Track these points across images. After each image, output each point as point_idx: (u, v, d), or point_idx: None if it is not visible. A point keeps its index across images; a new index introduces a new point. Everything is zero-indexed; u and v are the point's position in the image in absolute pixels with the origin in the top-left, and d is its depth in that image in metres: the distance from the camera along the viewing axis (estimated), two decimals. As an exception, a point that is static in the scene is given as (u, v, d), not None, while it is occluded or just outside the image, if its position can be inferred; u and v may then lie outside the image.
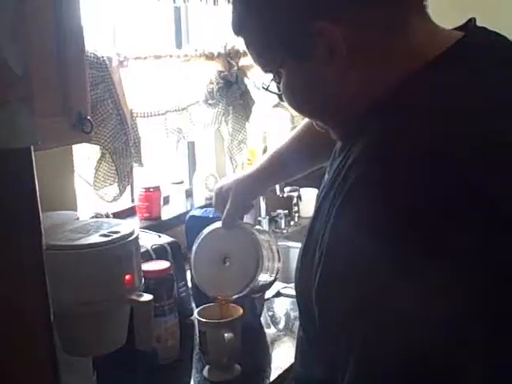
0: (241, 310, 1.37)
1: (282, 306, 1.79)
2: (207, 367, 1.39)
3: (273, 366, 1.44)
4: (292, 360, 1.51)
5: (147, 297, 1.05)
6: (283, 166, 1.41)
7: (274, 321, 1.71)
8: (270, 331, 1.64)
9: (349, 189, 0.72)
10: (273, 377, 1.38)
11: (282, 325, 1.69)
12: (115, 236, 1.05)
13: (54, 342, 0.73)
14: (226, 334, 1.30)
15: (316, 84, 0.80)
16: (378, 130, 0.74)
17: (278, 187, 2.22)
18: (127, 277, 1.05)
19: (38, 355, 0.70)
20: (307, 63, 0.78)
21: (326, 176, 0.91)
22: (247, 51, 0.86)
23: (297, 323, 1.72)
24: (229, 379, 1.36)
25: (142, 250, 1.54)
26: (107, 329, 1.08)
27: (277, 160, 1.40)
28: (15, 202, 0.67)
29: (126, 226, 1.10)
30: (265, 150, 2.73)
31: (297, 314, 1.73)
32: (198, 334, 1.39)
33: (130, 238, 1.07)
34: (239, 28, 0.84)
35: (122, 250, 1.05)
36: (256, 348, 1.52)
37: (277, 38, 0.80)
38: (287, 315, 1.73)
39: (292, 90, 0.83)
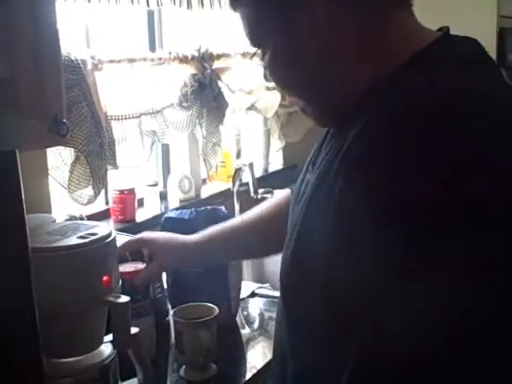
0: (216, 310, 1.39)
1: (256, 306, 1.81)
2: (184, 367, 1.40)
3: (248, 365, 1.46)
4: (267, 359, 1.54)
5: (124, 298, 1.06)
6: (225, 248, 1.41)
7: (248, 321, 1.73)
8: (244, 331, 1.66)
9: (350, 169, 0.73)
10: (248, 376, 1.40)
11: (256, 325, 1.71)
12: (93, 238, 1.06)
13: (40, 343, 0.74)
14: (202, 334, 1.32)
15: (302, 60, 0.82)
16: (372, 114, 0.74)
17: (251, 188, 2.24)
18: (105, 278, 1.06)
19: (23, 356, 0.71)
20: (294, 37, 0.80)
21: (309, 169, 0.91)
22: (242, 27, 0.87)
23: (271, 323, 1.76)
24: (205, 378, 1.37)
25: (118, 251, 1.55)
26: (85, 330, 1.09)
27: (220, 238, 1.39)
28: (1, 204, 0.68)
29: (103, 228, 1.11)
30: (238, 153, 2.76)
31: (271, 314, 1.77)
32: (174, 335, 1.41)
33: (108, 240, 1.08)
34: (235, 2, 0.86)
35: (100, 252, 1.06)
36: (232, 347, 1.54)
37: (269, 11, 0.81)
38: (261, 315, 1.76)
39: (280, 67, 0.84)
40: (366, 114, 0.75)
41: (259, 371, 1.43)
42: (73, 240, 1.05)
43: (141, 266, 1.45)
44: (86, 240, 1.05)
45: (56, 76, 1.35)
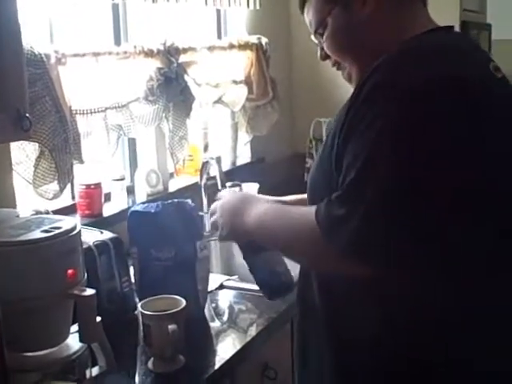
0: (184, 302, 1.40)
1: (225, 298, 1.82)
2: (152, 359, 1.41)
3: (217, 357, 1.47)
4: (235, 349, 1.55)
5: (90, 291, 1.07)
6: None
7: (217, 313, 1.74)
8: (214, 324, 1.67)
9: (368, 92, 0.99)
10: (215, 367, 1.41)
11: (225, 317, 1.72)
12: (57, 231, 1.06)
13: (3, 337, 0.74)
14: (169, 326, 1.33)
15: (355, 28, 1.12)
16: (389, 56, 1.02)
17: (219, 182, 2.24)
18: (70, 271, 1.06)
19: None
20: (348, 11, 1.11)
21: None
22: (305, 10, 1.19)
23: (241, 315, 1.77)
24: (173, 370, 1.38)
25: (84, 246, 1.54)
26: (50, 324, 1.09)
27: None
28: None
29: (67, 222, 1.11)
30: (206, 147, 2.76)
31: (240, 306, 1.79)
32: (142, 327, 1.41)
33: (72, 233, 1.08)
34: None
35: (64, 245, 1.06)
36: (200, 340, 1.55)
37: None
38: (231, 307, 1.77)
39: (335, 35, 1.14)
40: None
41: (227, 362, 1.44)
42: (36, 234, 1.05)
43: None
44: (50, 234, 1.05)
45: (18, 70, 1.34)
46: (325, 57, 1.19)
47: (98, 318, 1.19)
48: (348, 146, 0.98)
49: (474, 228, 0.92)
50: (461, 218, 0.91)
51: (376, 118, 0.95)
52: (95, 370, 1.25)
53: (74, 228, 1.10)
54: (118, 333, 1.51)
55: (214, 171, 2.32)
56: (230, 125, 2.82)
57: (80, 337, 1.10)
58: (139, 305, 1.40)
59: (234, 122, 2.81)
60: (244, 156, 2.95)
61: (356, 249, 0.93)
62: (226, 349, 1.52)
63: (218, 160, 2.28)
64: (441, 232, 0.91)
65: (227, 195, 1.36)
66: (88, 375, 1.20)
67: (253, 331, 1.59)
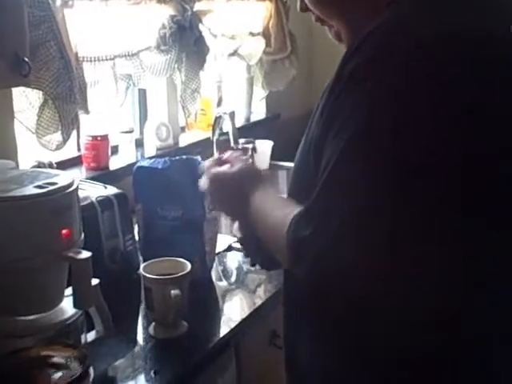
0: (188, 266, 1.32)
1: (233, 260, 1.74)
2: (153, 324, 1.34)
3: (224, 318, 1.40)
4: (244, 313, 1.48)
5: (85, 254, 0.98)
6: None
7: (225, 275, 1.66)
8: (221, 283, 1.60)
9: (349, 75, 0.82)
10: (220, 335, 1.34)
11: (233, 278, 1.65)
12: (51, 188, 0.98)
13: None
14: (172, 291, 1.25)
15: None
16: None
17: (232, 138, 2.15)
18: (64, 231, 0.98)
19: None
20: None
21: None
22: None
23: (250, 275, 1.69)
24: (174, 336, 1.31)
25: (87, 201, 1.47)
26: (43, 287, 1.02)
27: None
28: None
29: (64, 177, 1.03)
30: (220, 101, 2.65)
31: (249, 269, 1.71)
32: (143, 290, 1.34)
33: (68, 190, 1.00)
34: None
35: (59, 203, 0.98)
36: (205, 304, 1.48)
37: None
38: (238, 270, 1.69)
39: None
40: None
41: (233, 329, 1.37)
42: (29, 189, 0.96)
43: None
44: (44, 190, 0.97)
45: (17, 12, 1.24)
46: (305, 9, 0.99)
47: (95, 281, 1.11)
48: (327, 139, 0.82)
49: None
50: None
51: (351, 116, 0.79)
52: (91, 335, 1.18)
53: (70, 184, 1.01)
54: (119, 294, 1.44)
55: (227, 127, 2.22)
56: (246, 79, 2.71)
57: (74, 302, 1.03)
58: (141, 267, 1.32)
59: (249, 75, 2.70)
60: (259, 112, 2.85)
61: (320, 279, 0.80)
62: (232, 315, 1.45)
63: (232, 115, 2.17)
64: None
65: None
66: (83, 340, 1.13)
67: (261, 297, 1.51)
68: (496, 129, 0.79)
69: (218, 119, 2.24)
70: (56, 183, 0.99)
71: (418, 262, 0.76)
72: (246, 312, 1.46)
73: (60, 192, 0.98)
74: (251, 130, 2.62)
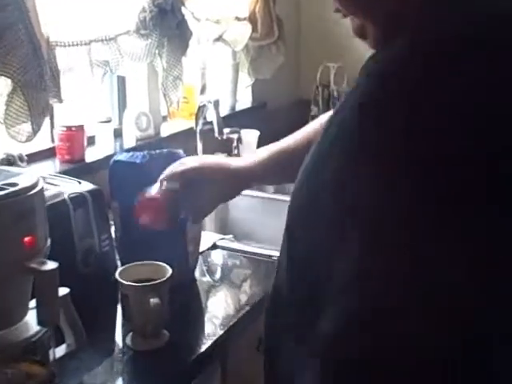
0: (169, 271, 1.20)
1: (218, 260, 1.63)
2: (130, 334, 1.22)
3: (207, 332, 1.29)
4: (231, 310, 1.39)
5: (51, 265, 0.87)
6: (281, 173, 1.23)
7: (209, 273, 1.55)
8: (204, 279, 1.49)
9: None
10: (205, 346, 1.23)
11: (217, 283, 1.54)
12: (11, 189, 0.86)
13: None
14: (151, 300, 1.14)
15: None
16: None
17: (216, 128, 2.03)
18: (27, 239, 0.86)
19: None
20: None
21: None
22: None
23: (235, 282, 1.58)
24: (154, 348, 1.20)
25: (58, 199, 1.35)
26: (4, 301, 0.90)
27: (284, 157, 1.22)
28: None
29: (27, 177, 0.91)
30: (203, 89, 2.53)
31: (235, 271, 1.60)
32: (120, 297, 1.22)
33: (32, 192, 0.88)
34: None
35: (20, 207, 0.86)
36: (187, 310, 1.36)
37: None
38: (224, 272, 1.58)
39: None
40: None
41: (219, 338, 1.26)
42: (-15, 192, 0.84)
43: None
44: (3, 192, 0.84)
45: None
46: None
47: (65, 290, 1.00)
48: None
49: None
50: None
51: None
52: (61, 350, 1.06)
53: (34, 185, 0.89)
54: (94, 301, 1.33)
55: (211, 116, 2.11)
56: (231, 65, 2.58)
57: (38, 318, 0.91)
58: (117, 272, 1.20)
59: (235, 62, 2.58)
60: (244, 100, 2.73)
61: None
62: (217, 320, 1.34)
63: (216, 104, 2.06)
64: None
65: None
66: (52, 357, 1.01)
67: (248, 302, 1.40)
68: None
69: (201, 108, 2.13)
70: (17, 184, 0.87)
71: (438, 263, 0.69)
72: (231, 319, 1.36)
73: (22, 194, 0.86)
74: (236, 120, 2.50)
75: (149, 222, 1.21)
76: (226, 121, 2.14)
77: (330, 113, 1.18)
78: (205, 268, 1.56)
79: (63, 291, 1.03)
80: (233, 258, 1.62)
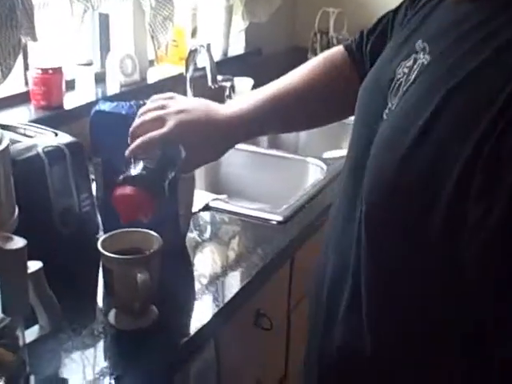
0: (159, 241, 1.04)
1: (210, 222, 1.47)
2: (114, 311, 1.07)
3: (199, 309, 1.14)
4: (218, 267, 1.25)
5: (18, 242, 0.70)
6: (275, 118, 1.06)
7: (202, 238, 1.40)
8: (191, 235, 1.35)
9: None
10: (199, 323, 1.08)
11: (212, 241, 1.39)
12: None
13: None
14: (138, 274, 0.98)
15: None
16: None
17: (209, 75, 1.85)
18: (-14, 209, 0.69)
19: None
20: None
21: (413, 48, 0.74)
22: None
23: (230, 250, 1.43)
24: (141, 327, 1.05)
25: (31, 153, 1.18)
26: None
27: (269, 105, 1.04)
28: None
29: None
30: (194, 31, 2.33)
31: (230, 236, 1.44)
32: (102, 269, 1.06)
33: (-7, 151, 0.70)
34: None
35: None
36: (178, 282, 1.20)
37: None
38: (217, 236, 1.42)
39: None
40: None
41: (214, 316, 1.11)
42: None
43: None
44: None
45: None
46: None
47: (37, 265, 0.84)
48: None
49: None
50: None
51: None
52: (33, 333, 0.91)
53: (-4, 141, 0.71)
54: (73, 268, 1.18)
55: (203, 61, 1.92)
56: (224, 7, 2.37)
57: (2, 306, 0.75)
58: (99, 242, 1.03)
59: (228, 4, 2.37)
60: (237, 46, 2.53)
61: None
62: (212, 294, 1.19)
63: (209, 48, 1.87)
64: None
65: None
66: (21, 342, 0.86)
67: (245, 274, 1.25)
68: None
69: (192, 52, 1.94)
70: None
71: None
72: (219, 263, 1.24)
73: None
74: (228, 66, 2.31)
75: (128, 220, 1.01)
76: (217, 67, 1.95)
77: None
78: (196, 233, 1.40)
79: (35, 265, 0.87)
80: (228, 222, 1.46)
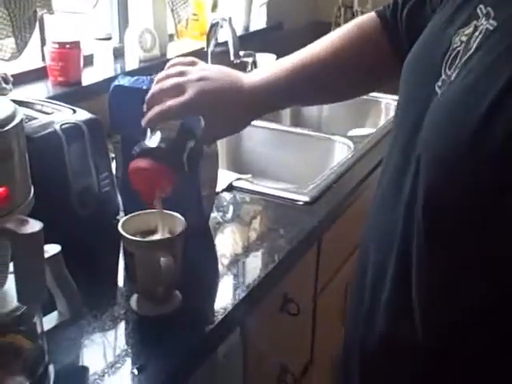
0: (183, 223, 0.99)
1: (234, 203, 1.41)
2: (135, 296, 1.02)
3: (225, 295, 1.08)
4: (239, 247, 1.20)
5: (34, 225, 0.64)
6: (316, 81, 1.00)
7: (224, 218, 1.34)
8: (219, 243, 1.28)
9: None
10: (225, 309, 1.02)
11: (237, 222, 1.33)
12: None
13: None
14: (162, 258, 0.93)
15: None
16: None
17: (232, 49, 1.78)
18: (0, 190, 0.64)
19: None
20: None
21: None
22: None
23: (248, 209, 1.38)
24: (165, 313, 1.00)
25: (48, 130, 1.13)
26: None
27: (306, 68, 0.98)
28: None
29: (2, 108, 0.67)
30: (214, 5, 2.26)
31: (255, 217, 1.39)
32: (123, 253, 1.01)
33: (7, 128, 0.65)
34: None
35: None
36: (202, 266, 1.15)
37: None
38: (241, 218, 1.36)
39: None
40: None
41: (240, 302, 1.06)
42: None
43: None
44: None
45: None
46: None
47: (55, 248, 0.79)
48: None
49: None
50: None
51: None
52: (52, 320, 0.86)
53: (9, 118, 0.66)
54: (93, 250, 1.13)
55: (224, 36, 1.85)
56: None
57: (17, 295, 0.70)
58: (120, 223, 0.98)
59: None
60: (259, 20, 2.46)
61: None
62: (237, 279, 1.13)
63: (231, 22, 1.80)
64: None
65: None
66: (39, 329, 0.81)
67: (272, 258, 1.19)
68: None
69: (214, 26, 1.88)
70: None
71: None
72: (240, 244, 1.19)
73: (-7, 130, 0.63)
74: (250, 41, 2.25)
75: (147, 197, 0.96)
76: (238, 42, 1.89)
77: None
78: (220, 214, 1.34)
79: (53, 249, 0.82)
80: (252, 202, 1.40)
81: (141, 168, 0.91)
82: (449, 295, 0.65)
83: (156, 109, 0.94)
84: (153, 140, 0.94)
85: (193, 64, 1.00)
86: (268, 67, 1.03)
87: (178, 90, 0.95)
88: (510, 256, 0.59)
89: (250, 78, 1.00)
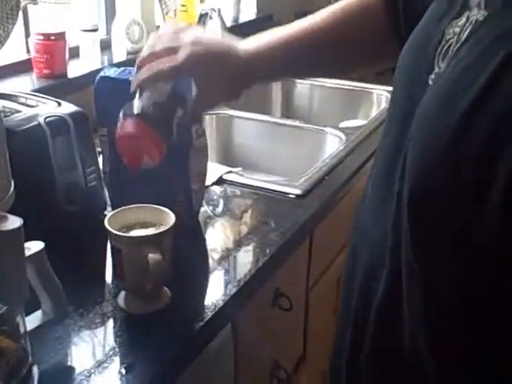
0: (172, 218, 0.96)
1: (224, 197, 1.39)
2: (123, 293, 0.99)
3: (214, 291, 1.06)
4: (230, 242, 1.17)
5: (13, 222, 0.62)
6: (289, 59, 0.96)
7: (216, 214, 1.32)
8: (210, 222, 1.26)
9: None
10: (215, 306, 1.00)
11: (220, 208, 1.31)
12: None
13: None
14: (150, 255, 0.90)
15: None
16: None
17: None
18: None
19: None
20: None
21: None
22: None
23: (235, 200, 1.36)
24: (152, 311, 0.97)
25: (32, 123, 1.10)
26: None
27: (283, 45, 0.95)
28: None
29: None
30: (203, -5, 2.23)
31: (245, 210, 1.36)
32: (110, 249, 0.98)
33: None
34: None
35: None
36: (191, 262, 1.13)
37: None
38: (232, 212, 1.33)
39: None
40: None
41: (231, 298, 1.03)
42: None
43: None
44: None
45: None
46: None
47: (38, 245, 0.76)
48: None
49: None
50: None
51: None
52: (35, 320, 0.83)
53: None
54: (78, 248, 1.11)
55: (213, 27, 1.82)
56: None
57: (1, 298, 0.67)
58: (106, 219, 0.95)
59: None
60: (248, 11, 2.43)
61: None
62: (228, 275, 1.11)
63: (220, 13, 1.77)
64: None
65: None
66: (22, 329, 0.78)
67: (264, 252, 1.17)
68: None
69: (202, 17, 1.85)
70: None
71: None
72: (231, 238, 1.17)
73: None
74: (239, 33, 2.20)
75: (134, 164, 0.93)
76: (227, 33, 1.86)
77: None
78: (210, 208, 1.32)
79: (36, 246, 0.79)
80: (242, 196, 1.38)
81: (129, 133, 0.88)
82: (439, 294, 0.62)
83: (146, 70, 0.91)
84: (141, 103, 0.90)
85: (186, 30, 0.97)
86: (264, 36, 1.00)
87: (171, 53, 0.91)
88: (495, 258, 0.56)
89: (245, 45, 0.97)
